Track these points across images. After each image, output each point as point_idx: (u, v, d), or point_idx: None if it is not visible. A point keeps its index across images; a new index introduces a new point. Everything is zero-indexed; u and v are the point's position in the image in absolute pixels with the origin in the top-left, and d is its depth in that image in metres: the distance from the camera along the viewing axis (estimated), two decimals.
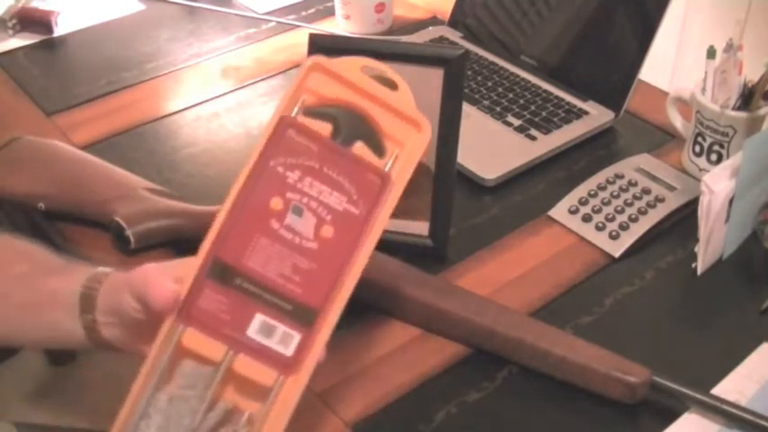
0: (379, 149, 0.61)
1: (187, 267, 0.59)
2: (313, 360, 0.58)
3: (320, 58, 0.62)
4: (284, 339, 0.58)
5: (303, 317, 0.58)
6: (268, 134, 0.60)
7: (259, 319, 0.58)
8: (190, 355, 0.58)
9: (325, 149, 0.60)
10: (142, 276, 0.60)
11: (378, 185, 0.60)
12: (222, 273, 0.58)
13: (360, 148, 0.61)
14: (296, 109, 0.61)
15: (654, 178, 0.95)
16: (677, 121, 1.01)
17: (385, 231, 0.60)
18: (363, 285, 0.59)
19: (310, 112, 0.61)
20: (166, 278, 0.59)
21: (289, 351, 0.57)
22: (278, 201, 0.59)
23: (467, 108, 1.05)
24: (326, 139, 0.60)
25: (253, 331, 0.58)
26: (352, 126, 0.61)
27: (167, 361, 0.58)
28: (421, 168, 0.82)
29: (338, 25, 1.27)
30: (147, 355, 0.58)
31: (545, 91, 1.09)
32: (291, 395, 0.57)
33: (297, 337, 0.58)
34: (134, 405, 0.57)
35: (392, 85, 0.63)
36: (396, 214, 0.61)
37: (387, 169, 0.61)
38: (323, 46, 0.85)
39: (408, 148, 0.62)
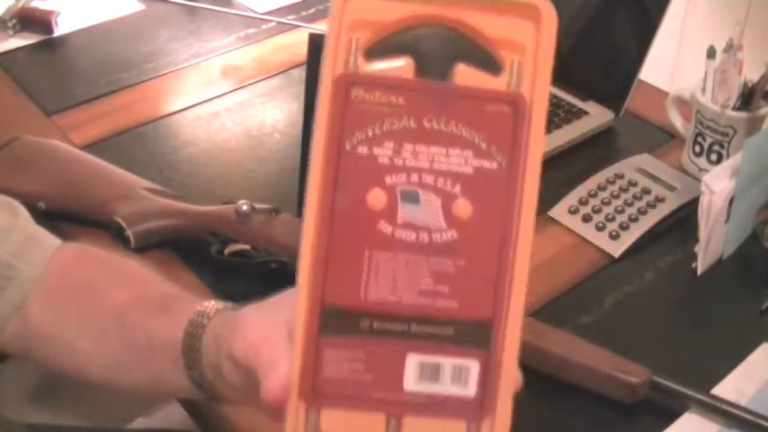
0: (490, 65, 0.43)
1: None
2: (508, 388, 0.42)
3: None
4: (458, 376, 0.42)
5: (473, 336, 0.42)
6: (325, 109, 0.42)
7: (414, 361, 0.42)
8: None
9: (416, 96, 0.42)
10: (250, 347, 0.48)
11: (509, 115, 0.42)
12: (341, 322, 0.42)
13: (463, 73, 0.43)
14: (351, 58, 0.43)
15: (654, 178, 0.95)
16: (677, 121, 1.01)
17: None
18: None
19: (373, 51, 0.43)
20: (281, 352, 0.45)
21: (470, 389, 0.42)
22: (378, 193, 0.42)
23: None
24: (414, 81, 0.42)
25: (412, 381, 0.42)
26: (442, 46, 0.43)
27: None
28: None
29: None
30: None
31: None
32: None
33: (474, 366, 0.42)
34: None
35: None
36: None
37: (512, 88, 0.43)
38: (323, 46, 0.85)
39: (531, 49, 0.44)
